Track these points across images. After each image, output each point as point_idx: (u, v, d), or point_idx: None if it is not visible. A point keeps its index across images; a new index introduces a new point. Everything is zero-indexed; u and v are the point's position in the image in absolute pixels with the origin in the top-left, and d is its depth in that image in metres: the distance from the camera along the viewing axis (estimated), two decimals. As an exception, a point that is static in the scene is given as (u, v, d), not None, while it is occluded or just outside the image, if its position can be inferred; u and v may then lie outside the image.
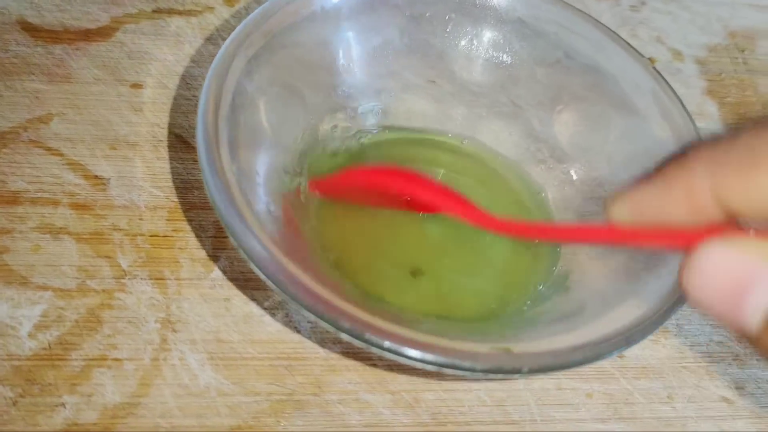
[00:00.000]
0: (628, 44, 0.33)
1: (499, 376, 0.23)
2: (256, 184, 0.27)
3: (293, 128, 0.30)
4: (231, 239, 0.24)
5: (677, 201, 0.18)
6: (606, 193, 0.31)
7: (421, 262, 0.30)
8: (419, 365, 0.23)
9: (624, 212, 0.20)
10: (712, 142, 0.18)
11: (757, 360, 0.31)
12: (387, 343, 0.22)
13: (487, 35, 0.34)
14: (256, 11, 0.30)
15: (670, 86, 0.33)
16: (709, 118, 0.40)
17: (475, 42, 0.34)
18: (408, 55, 0.33)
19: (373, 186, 0.28)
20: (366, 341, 0.22)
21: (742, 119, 0.41)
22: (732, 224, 0.18)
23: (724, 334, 0.32)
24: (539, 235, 0.28)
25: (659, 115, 0.32)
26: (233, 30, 0.29)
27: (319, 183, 0.30)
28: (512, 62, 0.34)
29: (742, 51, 0.43)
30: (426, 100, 0.34)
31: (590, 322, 0.25)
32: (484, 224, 0.25)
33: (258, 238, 0.23)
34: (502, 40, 0.34)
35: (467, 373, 0.23)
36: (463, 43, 0.34)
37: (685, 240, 0.18)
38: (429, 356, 0.22)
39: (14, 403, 0.25)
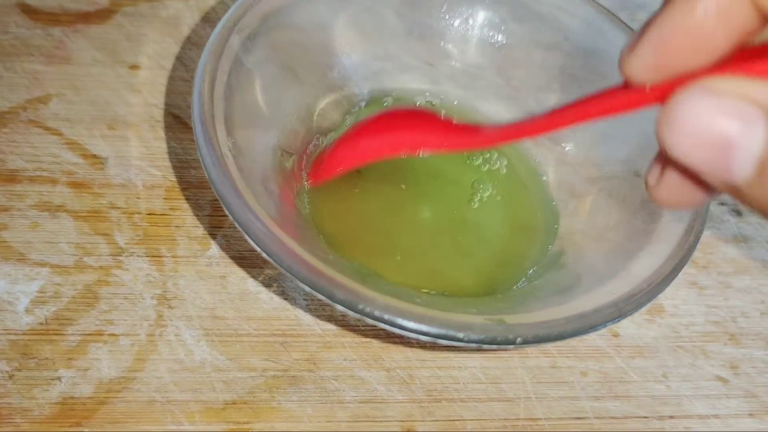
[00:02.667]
0: (627, 26, 0.33)
1: (494, 347, 0.23)
2: (251, 161, 0.27)
3: (289, 107, 0.31)
4: (226, 212, 0.24)
5: (708, 18, 0.15)
6: (602, 173, 0.32)
7: (416, 240, 0.30)
8: (414, 336, 0.23)
9: (644, 60, 0.16)
10: None
11: (752, 340, 0.31)
12: (383, 314, 0.22)
13: (483, 15, 0.34)
14: None
15: None
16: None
17: (470, 22, 0.34)
18: (404, 37, 0.33)
19: (362, 153, 0.28)
20: (362, 312, 0.22)
21: None
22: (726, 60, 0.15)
23: (720, 314, 0.32)
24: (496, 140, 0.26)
25: None
26: (231, 12, 0.30)
27: (315, 173, 0.30)
28: (509, 43, 0.34)
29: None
30: (423, 81, 0.34)
31: (583, 295, 0.25)
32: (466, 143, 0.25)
33: (254, 211, 0.23)
34: (498, 21, 0.34)
35: (461, 344, 0.23)
36: (458, 23, 0.34)
37: (658, 93, 0.16)
38: (424, 327, 0.23)
39: (10, 377, 0.25)
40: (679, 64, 0.16)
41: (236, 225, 0.24)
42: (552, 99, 0.34)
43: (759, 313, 0.32)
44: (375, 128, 0.27)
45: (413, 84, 0.34)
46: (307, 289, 0.23)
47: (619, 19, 0.34)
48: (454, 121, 0.25)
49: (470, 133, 0.25)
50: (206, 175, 0.25)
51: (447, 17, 0.34)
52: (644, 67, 0.16)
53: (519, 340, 0.23)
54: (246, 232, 0.23)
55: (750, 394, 0.30)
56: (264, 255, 0.23)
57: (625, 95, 0.17)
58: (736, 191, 0.16)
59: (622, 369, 0.29)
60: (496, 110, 0.35)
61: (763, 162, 0.15)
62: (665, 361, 0.30)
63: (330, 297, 0.23)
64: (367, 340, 0.28)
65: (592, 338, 0.30)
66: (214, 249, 0.29)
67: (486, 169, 0.33)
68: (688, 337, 0.31)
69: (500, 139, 0.25)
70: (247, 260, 0.29)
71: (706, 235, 0.34)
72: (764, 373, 0.30)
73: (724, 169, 0.16)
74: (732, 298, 0.32)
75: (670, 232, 0.27)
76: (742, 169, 0.16)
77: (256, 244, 0.23)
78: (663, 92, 0.16)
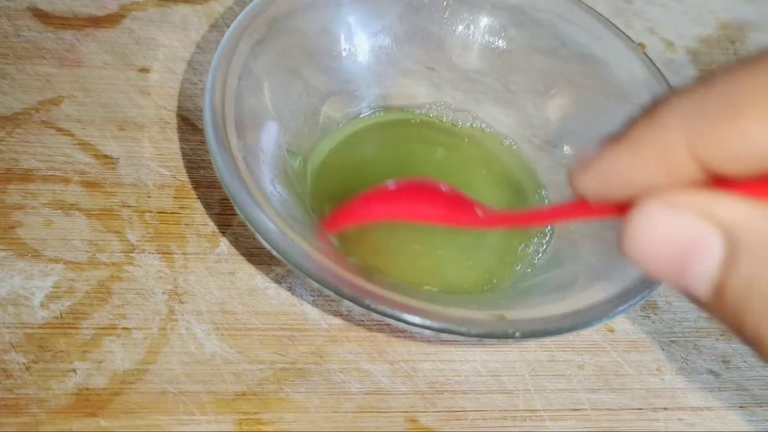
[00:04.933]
0: (623, 33, 0.35)
1: (494, 341, 0.24)
2: (261, 162, 0.28)
3: (296, 110, 0.32)
4: (238, 212, 0.25)
5: (649, 162, 0.15)
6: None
7: (418, 238, 0.31)
8: (418, 330, 0.24)
9: (590, 183, 0.16)
10: (685, 92, 0.15)
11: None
12: (390, 310, 0.23)
13: (484, 21, 0.35)
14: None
15: (662, 74, 0.34)
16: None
17: (472, 28, 0.35)
18: (407, 42, 0.35)
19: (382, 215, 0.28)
20: (369, 308, 0.23)
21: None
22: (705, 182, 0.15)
23: (712, 310, 0.33)
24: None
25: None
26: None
27: (329, 222, 0.29)
28: (508, 49, 0.35)
29: (733, 42, 0.45)
30: (424, 85, 0.35)
31: (580, 292, 0.26)
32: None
33: (265, 211, 0.24)
34: (498, 27, 0.35)
35: (463, 338, 0.24)
36: (460, 29, 0.35)
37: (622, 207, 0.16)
38: (428, 321, 0.24)
39: (27, 369, 0.26)
40: (623, 193, 0.16)
41: (248, 225, 0.25)
42: (548, 102, 0.35)
43: (749, 309, 0.33)
44: (389, 196, 0.27)
45: (415, 88, 0.35)
46: (317, 285, 0.24)
47: (616, 27, 0.35)
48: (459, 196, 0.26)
49: (470, 213, 0.25)
50: (218, 176, 0.26)
51: (449, 23, 0.35)
52: (591, 189, 0.17)
53: (518, 334, 0.24)
54: (258, 232, 0.24)
55: (741, 387, 0.31)
56: (274, 253, 0.24)
57: (590, 206, 0.17)
58: (700, 305, 0.16)
59: (617, 363, 0.30)
60: (495, 113, 0.36)
61: (718, 284, 0.15)
62: (659, 355, 0.31)
63: (339, 293, 0.24)
64: (372, 334, 0.29)
65: (589, 333, 0.31)
66: (223, 246, 0.30)
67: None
68: (681, 332, 0.32)
69: (494, 223, 0.27)
70: (255, 257, 0.30)
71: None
72: (755, 367, 0.31)
73: (683, 284, 0.16)
74: (723, 295, 0.33)
75: None
76: (699, 287, 0.15)
77: (267, 243, 0.24)
78: (623, 206, 0.16)
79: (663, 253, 0.16)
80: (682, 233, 0.15)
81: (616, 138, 0.16)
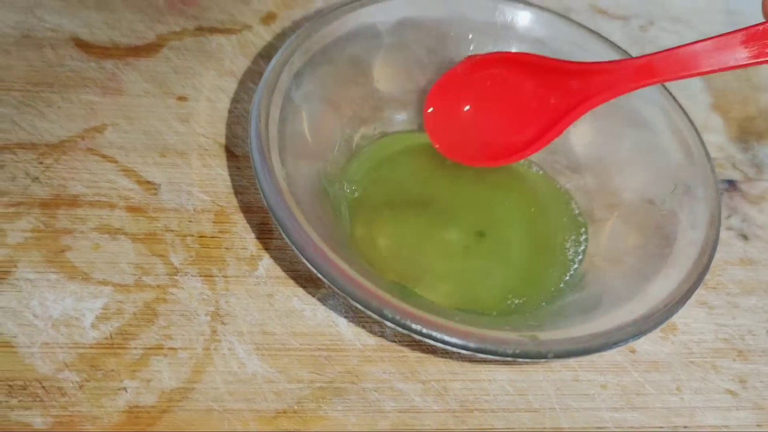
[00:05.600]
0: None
1: (528, 360, 0.26)
2: (302, 189, 0.29)
3: (331, 138, 0.33)
4: (285, 238, 0.26)
5: None
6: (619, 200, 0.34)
7: (447, 260, 0.32)
8: (456, 350, 0.25)
9: None
10: None
11: (759, 356, 0.33)
12: (430, 331, 0.25)
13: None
14: (298, 32, 0.32)
15: (677, 102, 0.35)
16: (716, 131, 0.43)
17: None
18: (435, 72, 0.36)
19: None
20: (409, 329, 0.25)
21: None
22: None
23: (729, 332, 0.34)
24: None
25: (668, 129, 0.34)
26: (270, 46, 0.32)
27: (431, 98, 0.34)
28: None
29: (746, 69, 0.46)
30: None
31: (605, 315, 0.28)
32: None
33: (310, 237, 0.26)
34: None
35: (499, 357, 0.25)
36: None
37: None
38: (466, 342, 0.25)
39: (80, 387, 0.28)
40: None
41: (294, 249, 0.26)
42: (570, 130, 0.36)
43: (765, 331, 0.34)
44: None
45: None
46: (360, 307, 0.25)
47: (629, 54, 0.36)
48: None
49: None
50: (265, 203, 0.27)
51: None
52: None
53: (550, 354, 0.25)
54: (303, 255, 0.26)
55: (758, 407, 0.32)
56: (319, 276, 0.26)
57: None
58: None
59: (639, 382, 0.32)
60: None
61: None
62: (678, 375, 0.32)
63: (380, 315, 0.25)
64: (404, 354, 0.31)
65: (611, 354, 0.32)
66: (262, 269, 0.32)
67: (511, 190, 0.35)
68: (700, 353, 0.33)
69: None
70: (292, 280, 0.32)
71: (715, 258, 0.36)
72: (770, 387, 0.33)
73: None
74: (740, 317, 0.35)
75: (683, 256, 0.30)
76: None
77: (313, 266, 0.26)
78: None
79: None
80: None
81: None
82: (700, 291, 0.35)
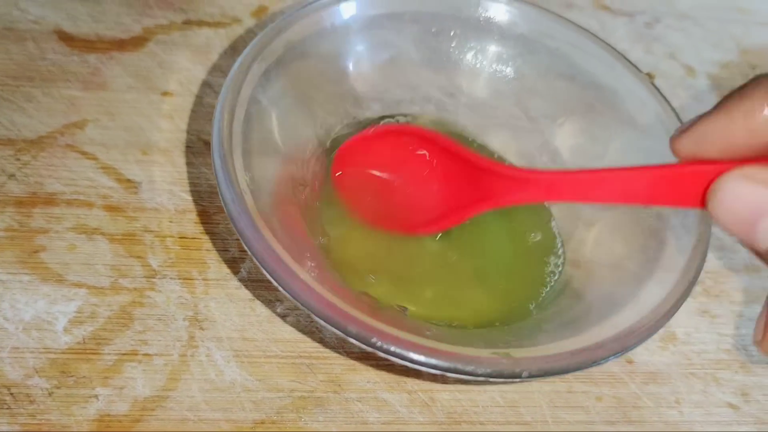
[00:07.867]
0: (629, 61, 0.34)
1: (500, 380, 0.24)
2: (268, 194, 0.28)
3: (303, 140, 0.32)
4: (245, 248, 0.25)
5: (737, 126, 0.21)
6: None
7: (425, 272, 0.31)
8: (423, 369, 0.24)
9: (688, 145, 0.22)
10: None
11: (762, 368, 0.32)
12: (394, 348, 0.24)
13: (492, 50, 0.35)
14: (270, 26, 0.31)
15: (669, 103, 0.33)
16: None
17: (480, 57, 0.35)
18: (415, 69, 0.35)
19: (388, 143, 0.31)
20: (373, 346, 0.24)
21: None
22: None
23: (731, 342, 0.33)
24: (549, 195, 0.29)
25: (659, 129, 0.33)
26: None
27: (339, 160, 0.32)
28: (516, 76, 0.35)
29: (754, 68, 0.44)
30: (433, 111, 0.35)
31: (588, 329, 0.26)
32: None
33: (271, 247, 0.25)
34: (505, 56, 0.35)
35: (469, 377, 0.24)
36: (468, 57, 0.35)
37: (709, 174, 0.22)
38: (432, 360, 0.24)
39: (50, 394, 0.26)
40: (714, 152, 0.22)
41: (255, 260, 0.25)
42: (556, 129, 0.35)
43: (769, 341, 0.33)
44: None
45: (427, 114, 0.35)
46: (322, 323, 0.24)
47: (623, 56, 0.35)
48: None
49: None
50: (226, 211, 0.26)
51: (456, 52, 0.35)
52: (688, 149, 0.23)
53: (525, 374, 0.24)
54: (263, 267, 0.25)
55: (760, 421, 0.30)
56: (280, 289, 0.24)
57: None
58: (761, 256, 0.22)
59: (635, 395, 0.30)
60: (506, 140, 0.36)
61: None
62: (678, 387, 0.31)
63: (343, 331, 0.24)
64: (389, 363, 0.29)
65: (607, 365, 0.31)
66: (244, 272, 0.31)
67: None
68: (700, 364, 0.32)
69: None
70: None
71: (719, 265, 0.35)
72: (774, 401, 0.31)
73: (752, 239, 0.21)
74: (743, 326, 0.33)
75: (673, 262, 0.28)
76: (763, 242, 0.21)
77: (272, 278, 0.24)
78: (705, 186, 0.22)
79: (739, 215, 0.21)
80: (755, 199, 0.21)
81: (711, 111, 0.22)
82: (702, 299, 0.34)
